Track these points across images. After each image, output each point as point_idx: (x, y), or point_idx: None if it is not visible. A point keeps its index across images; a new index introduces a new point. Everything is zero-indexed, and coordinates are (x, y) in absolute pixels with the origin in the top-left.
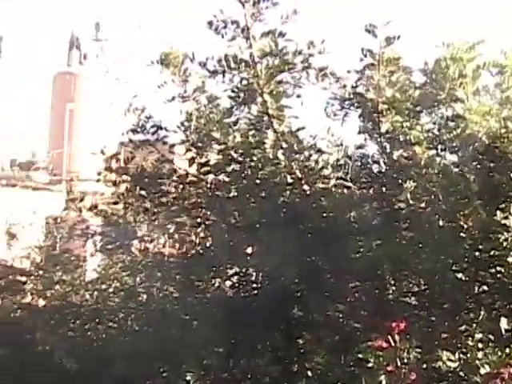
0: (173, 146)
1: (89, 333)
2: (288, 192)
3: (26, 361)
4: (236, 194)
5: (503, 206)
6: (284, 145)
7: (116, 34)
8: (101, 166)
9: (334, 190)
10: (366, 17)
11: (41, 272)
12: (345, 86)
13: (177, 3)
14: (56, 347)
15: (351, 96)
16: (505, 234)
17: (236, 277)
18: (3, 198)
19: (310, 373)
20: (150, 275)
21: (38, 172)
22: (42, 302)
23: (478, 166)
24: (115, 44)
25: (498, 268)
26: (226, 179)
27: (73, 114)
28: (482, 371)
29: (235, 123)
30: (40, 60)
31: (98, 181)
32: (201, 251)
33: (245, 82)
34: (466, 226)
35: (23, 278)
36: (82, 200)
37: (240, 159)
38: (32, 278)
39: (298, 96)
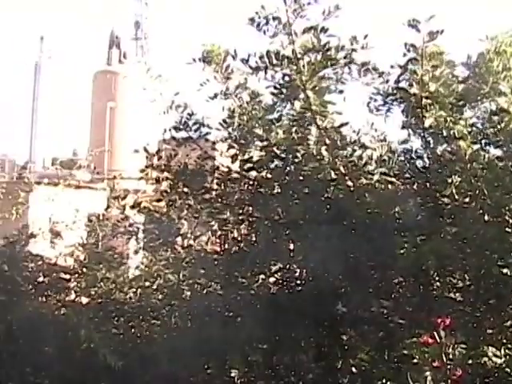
0: (215, 142)
1: (132, 330)
2: (332, 188)
3: (70, 358)
4: (279, 190)
5: None
6: (327, 141)
7: (157, 31)
8: (142, 164)
9: (377, 185)
10: (409, 11)
11: (84, 270)
12: (387, 81)
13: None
14: (100, 345)
15: (394, 91)
16: None
17: (280, 273)
18: (46, 196)
19: (354, 369)
20: (194, 272)
21: (80, 170)
22: (85, 300)
23: None
24: (156, 42)
25: None
26: (269, 176)
27: (113, 112)
28: None
29: (278, 120)
30: (81, 59)
31: (140, 178)
32: (244, 248)
33: (287, 79)
34: (511, 221)
35: (67, 276)
36: (124, 198)
37: (283, 155)
38: (76, 275)
39: (341, 92)
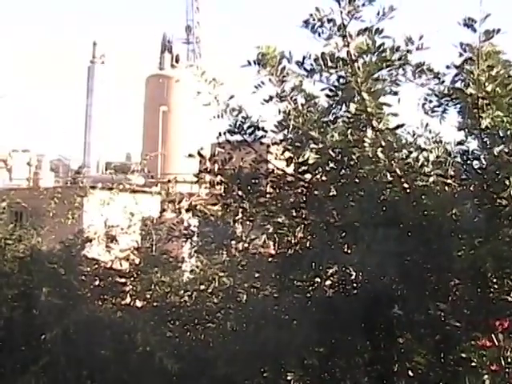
0: (270, 145)
1: (188, 333)
2: (388, 190)
3: (127, 361)
4: (334, 193)
5: None
6: (383, 143)
7: (209, 35)
8: (196, 167)
9: (434, 187)
10: (464, 10)
11: (140, 273)
12: (443, 82)
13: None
14: (156, 348)
15: (450, 92)
16: None
17: (335, 276)
18: (101, 200)
19: (410, 373)
20: (249, 275)
21: (134, 174)
22: (140, 303)
23: None
24: (208, 45)
25: None
26: (324, 178)
27: (166, 116)
28: None
29: (333, 122)
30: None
31: (196, 182)
32: (300, 251)
33: (342, 81)
34: None
35: (122, 280)
36: (180, 201)
37: (338, 158)
38: (131, 279)
39: (395, 93)
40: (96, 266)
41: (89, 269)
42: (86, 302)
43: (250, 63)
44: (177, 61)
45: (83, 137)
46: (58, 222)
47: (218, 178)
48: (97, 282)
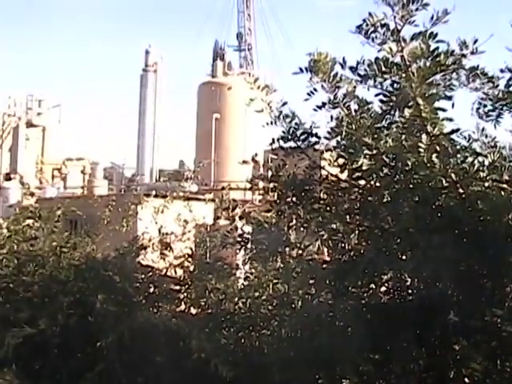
0: (324, 152)
1: (242, 340)
2: (443, 196)
3: (182, 368)
4: (389, 199)
5: None
6: (438, 148)
7: (259, 42)
8: (248, 174)
9: (489, 192)
10: None
11: (194, 280)
12: (497, 86)
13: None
14: (211, 355)
15: (504, 96)
16: None
17: (390, 282)
18: (155, 208)
19: (466, 379)
20: (304, 282)
21: (187, 181)
22: (195, 310)
23: None
24: (260, 53)
25: None
26: (378, 184)
27: (219, 123)
28: None
29: (387, 128)
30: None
31: (249, 189)
32: (354, 257)
33: (396, 86)
34: None
35: (177, 287)
36: (234, 209)
37: (392, 164)
38: (185, 286)
39: (450, 98)
40: (151, 273)
41: (143, 276)
42: (140, 308)
43: (301, 70)
44: (229, 68)
45: (136, 144)
46: (112, 229)
47: (272, 184)
48: (151, 289)
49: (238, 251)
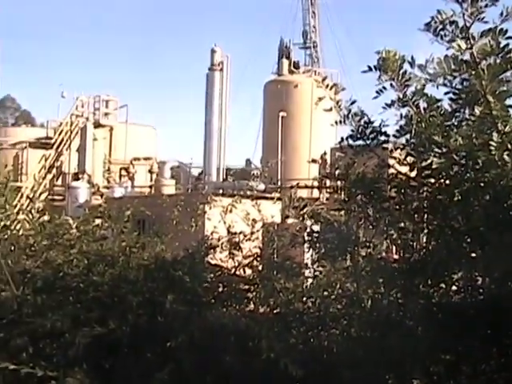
0: (393, 150)
1: (311, 340)
2: None
3: (252, 368)
4: (459, 197)
5: None
6: (509, 146)
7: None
8: (315, 173)
9: None
10: None
11: (263, 280)
12: None
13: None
14: (281, 354)
15: None
16: None
17: (461, 282)
18: (223, 207)
19: None
20: (373, 281)
21: (254, 180)
22: (264, 310)
23: None
24: (325, 50)
25: None
26: (448, 182)
27: (285, 121)
28: None
29: (457, 126)
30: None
31: (317, 187)
32: (424, 256)
33: (466, 84)
34: None
35: (246, 286)
36: (304, 207)
37: (463, 162)
38: (254, 286)
39: None
40: (220, 273)
41: (213, 275)
42: (210, 308)
43: (370, 68)
44: (295, 66)
45: (203, 143)
46: (181, 229)
47: (341, 183)
48: (220, 289)
49: (306, 250)
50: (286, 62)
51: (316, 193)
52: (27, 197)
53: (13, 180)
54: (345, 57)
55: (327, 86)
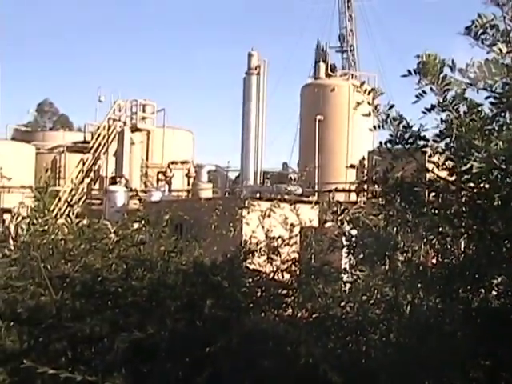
0: (432, 155)
1: (350, 345)
2: None
3: (290, 373)
4: (499, 202)
5: None
6: None
7: (361, 43)
8: (353, 176)
9: None
10: None
11: (301, 285)
12: None
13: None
14: (320, 360)
15: None
16: None
17: (501, 287)
18: (260, 211)
19: None
20: (412, 286)
21: (291, 184)
22: (302, 315)
23: None
24: (362, 53)
25: None
26: (488, 187)
27: (322, 124)
28: None
29: (498, 130)
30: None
31: (355, 191)
32: (464, 261)
33: (507, 88)
34: None
35: (284, 291)
36: (342, 212)
37: (503, 166)
38: (293, 290)
39: None
40: (258, 278)
41: (251, 280)
42: (248, 313)
43: (410, 72)
44: (332, 70)
45: (240, 147)
46: (219, 233)
47: (379, 188)
48: (259, 294)
49: (344, 255)
50: (322, 65)
51: (354, 196)
52: (65, 201)
53: (52, 184)
54: (382, 60)
55: (365, 90)
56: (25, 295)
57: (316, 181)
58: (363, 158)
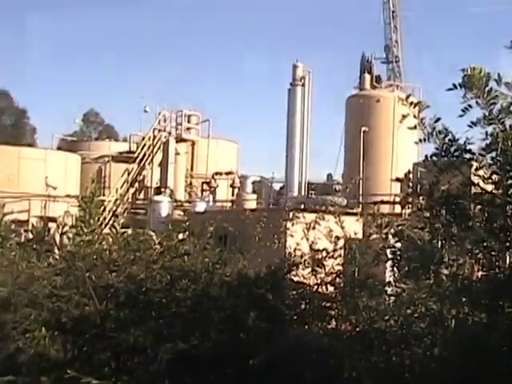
0: (478, 168)
1: (394, 358)
2: None
3: None
4: None
5: None
6: None
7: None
8: (397, 189)
9: None
10: None
11: (345, 297)
12: None
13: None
14: (363, 374)
15: None
16: None
17: None
18: (305, 223)
19: None
20: (457, 300)
21: (336, 195)
22: (346, 328)
23: None
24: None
25: None
26: None
27: (367, 136)
28: None
29: None
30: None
31: (400, 204)
32: (510, 276)
33: None
34: None
35: (328, 304)
36: (387, 226)
37: None
38: (337, 303)
39: None
40: (302, 290)
41: (295, 292)
42: (292, 326)
43: (455, 86)
44: (377, 81)
45: (284, 157)
46: (263, 245)
47: (425, 201)
48: (303, 306)
49: (389, 268)
50: (367, 76)
51: (398, 208)
52: (110, 211)
53: (97, 194)
54: (427, 71)
55: (411, 103)
56: (69, 305)
57: (361, 192)
58: (409, 172)
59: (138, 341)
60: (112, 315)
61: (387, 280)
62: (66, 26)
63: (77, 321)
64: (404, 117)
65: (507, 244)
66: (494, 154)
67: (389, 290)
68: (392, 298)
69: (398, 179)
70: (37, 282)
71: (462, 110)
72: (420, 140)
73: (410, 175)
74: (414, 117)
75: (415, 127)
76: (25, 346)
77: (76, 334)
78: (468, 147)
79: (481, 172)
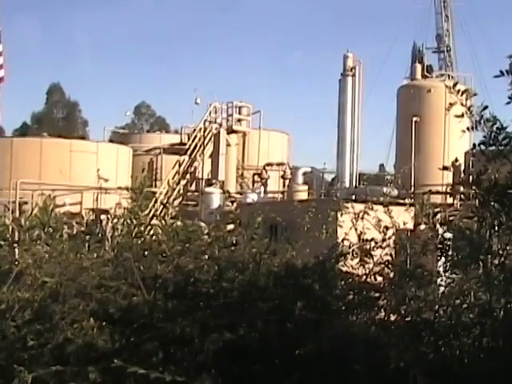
0: None
1: (442, 349)
2: None
3: (380, 378)
4: None
5: None
6: None
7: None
8: (449, 178)
9: None
10: None
11: (394, 288)
12: None
13: None
14: (411, 365)
15: None
16: None
17: None
18: (355, 214)
19: None
20: (506, 290)
21: (387, 186)
22: (394, 318)
23: None
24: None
25: None
26: None
27: (418, 126)
28: None
29: None
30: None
31: (449, 194)
32: None
33: None
34: None
35: (376, 294)
36: (436, 215)
37: None
38: (385, 293)
39: None
40: (350, 280)
41: (343, 283)
42: (340, 316)
43: (502, 73)
44: (428, 71)
45: (336, 148)
46: (312, 235)
47: (473, 190)
48: (351, 297)
49: (438, 258)
50: (419, 66)
51: (450, 198)
52: (161, 202)
53: (148, 185)
54: (479, 61)
55: (458, 91)
56: (117, 295)
57: (412, 182)
58: (456, 160)
59: (185, 331)
60: (160, 306)
61: (436, 270)
62: (117, 20)
63: (125, 311)
64: (451, 105)
65: None
66: None
67: (438, 280)
68: (441, 288)
69: (444, 167)
70: (85, 273)
71: (510, 98)
72: (468, 128)
73: (457, 164)
74: (462, 105)
75: (462, 115)
76: (73, 337)
77: (124, 324)
78: None
79: None
